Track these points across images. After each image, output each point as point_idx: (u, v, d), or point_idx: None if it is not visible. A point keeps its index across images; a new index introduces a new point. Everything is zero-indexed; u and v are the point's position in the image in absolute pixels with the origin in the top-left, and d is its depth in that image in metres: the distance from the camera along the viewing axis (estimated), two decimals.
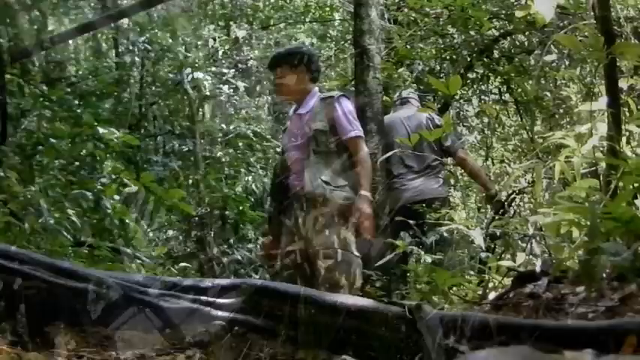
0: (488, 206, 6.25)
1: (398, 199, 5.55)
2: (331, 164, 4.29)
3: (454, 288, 3.30)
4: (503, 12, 7.66)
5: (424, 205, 5.35)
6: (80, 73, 9.79)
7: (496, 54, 8.47)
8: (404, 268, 4.70)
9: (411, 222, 4.37)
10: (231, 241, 9.16)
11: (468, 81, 8.75)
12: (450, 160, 6.17)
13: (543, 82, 8.06)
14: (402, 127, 5.78)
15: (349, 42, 8.96)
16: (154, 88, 10.85)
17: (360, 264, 4.26)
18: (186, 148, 10.47)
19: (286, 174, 4.45)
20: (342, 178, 4.27)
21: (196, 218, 9.07)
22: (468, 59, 8.14)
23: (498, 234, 3.99)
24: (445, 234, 4.15)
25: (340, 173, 4.28)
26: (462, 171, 7.27)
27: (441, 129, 4.63)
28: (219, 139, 11.44)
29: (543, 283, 2.28)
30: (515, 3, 7.47)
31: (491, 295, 2.65)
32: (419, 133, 4.26)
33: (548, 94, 7.96)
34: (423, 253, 3.83)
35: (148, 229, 8.66)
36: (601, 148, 3.51)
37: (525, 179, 7.59)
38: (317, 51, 5.00)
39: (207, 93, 11.32)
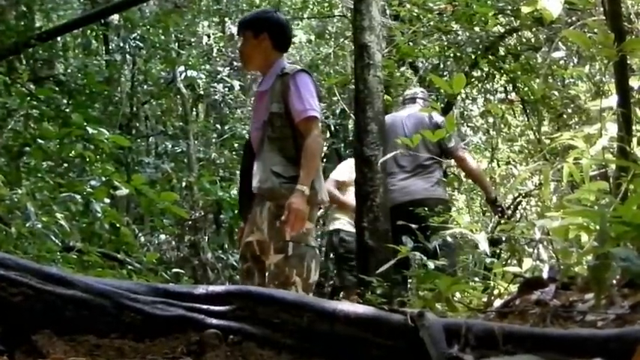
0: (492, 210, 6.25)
1: (390, 199, 5.58)
2: (286, 152, 4.04)
3: (458, 295, 3.30)
4: (509, 8, 7.67)
5: (412, 206, 5.40)
6: (69, 71, 9.79)
7: (502, 51, 8.48)
8: (405, 274, 4.71)
9: (399, 223, 4.36)
10: (226, 245, 9.17)
11: (473, 79, 8.76)
12: (452, 161, 6.16)
13: (551, 80, 8.07)
14: (400, 127, 5.80)
15: (349, 39, 8.97)
16: (145, 86, 10.88)
17: (315, 255, 4.08)
18: (180, 150, 10.49)
19: (251, 157, 4.22)
20: (296, 167, 3.99)
21: (190, 222, 9.08)
22: (473, 57, 8.15)
23: (504, 238, 3.98)
24: (446, 238, 4.12)
25: (295, 162, 4.01)
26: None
27: (442, 129, 4.64)
28: (213, 140, 11.45)
29: (551, 289, 2.29)
30: None
31: (497, 303, 2.65)
32: (420, 133, 4.26)
33: (555, 93, 7.97)
34: (417, 258, 3.83)
35: (140, 234, 8.67)
36: (611, 150, 3.52)
37: (532, 182, 7.60)
38: (285, 18, 4.74)
39: (201, 92, 11.35)
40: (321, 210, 5.53)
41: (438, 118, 5.74)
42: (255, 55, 4.27)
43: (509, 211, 7.97)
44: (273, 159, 4.03)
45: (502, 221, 5.41)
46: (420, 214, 5.16)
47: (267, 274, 4.03)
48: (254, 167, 4.11)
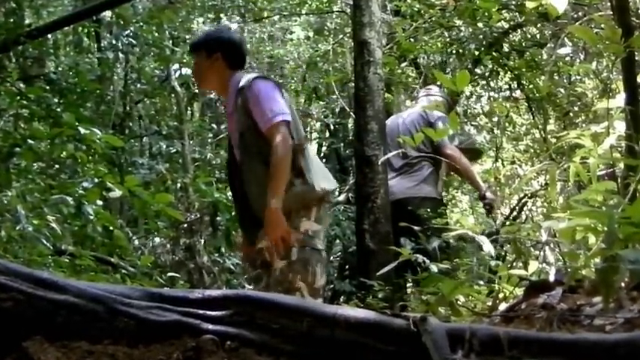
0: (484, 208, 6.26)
1: None
2: (267, 163, 3.99)
3: (462, 298, 3.30)
4: (514, 3, 7.67)
5: (396, 206, 5.45)
6: (60, 69, 9.77)
7: (506, 48, 8.49)
8: (408, 277, 4.71)
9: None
10: (223, 249, 9.14)
11: (476, 77, 8.76)
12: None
13: (557, 77, 8.08)
14: (396, 128, 5.83)
15: (348, 35, 8.98)
16: (139, 85, 10.85)
17: (321, 259, 4.08)
18: (174, 150, 10.47)
19: (237, 176, 4.23)
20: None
21: (185, 225, 9.06)
22: (476, 53, 8.16)
23: (500, 235, 3.99)
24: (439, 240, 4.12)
25: None
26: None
27: (438, 127, 4.65)
28: (209, 140, 11.45)
29: (557, 293, 2.29)
30: None
31: (502, 307, 2.65)
32: (422, 131, 4.27)
33: (562, 90, 7.98)
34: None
35: (134, 237, 8.67)
36: (619, 148, 3.52)
37: (538, 182, 7.61)
38: (239, 36, 4.71)
39: (196, 90, 11.33)
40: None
41: (433, 115, 5.74)
42: (209, 75, 4.30)
43: (515, 212, 7.98)
44: (264, 178, 3.98)
45: (493, 215, 5.47)
46: (404, 214, 5.23)
47: (270, 280, 4.05)
48: (249, 189, 4.11)
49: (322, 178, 4.10)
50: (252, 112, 4.02)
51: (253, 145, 4.04)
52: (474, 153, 6.46)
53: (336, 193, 4.27)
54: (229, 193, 9.15)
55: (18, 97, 6.71)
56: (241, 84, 4.12)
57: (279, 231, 3.91)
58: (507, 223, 4.91)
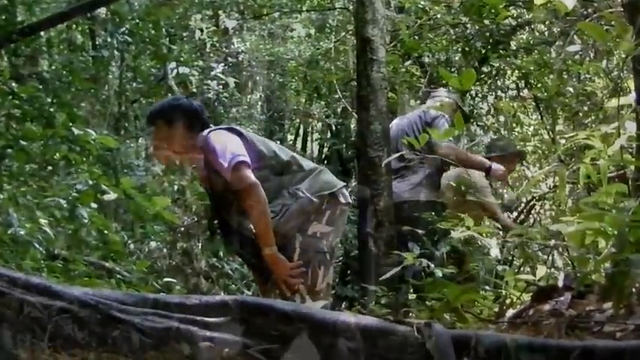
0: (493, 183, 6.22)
1: None
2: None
3: (468, 304, 3.30)
4: None
5: (394, 211, 5.46)
6: (53, 68, 9.78)
7: (513, 46, 8.49)
8: (413, 282, 4.70)
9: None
10: (221, 253, 9.15)
11: (483, 75, 8.76)
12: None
13: (565, 76, 8.07)
14: (395, 130, 5.83)
15: (351, 33, 8.98)
16: (134, 84, 10.85)
17: (324, 260, 4.12)
18: None
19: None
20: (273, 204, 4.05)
21: (182, 228, 9.06)
22: (483, 52, 8.16)
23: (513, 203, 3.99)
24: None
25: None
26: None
27: (437, 127, 4.65)
28: None
29: (566, 298, 2.29)
30: None
31: (509, 313, 2.66)
32: (429, 132, 4.27)
33: (571, 89, 7.97)
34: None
35: (129, 241, 8.67)
36: (630, 150, 3.52)
37: (546, 184, 7.60)
38: (198, 103, 4.67)
39: (194, 90, 11.33)
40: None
41: (430, 115, 5.73)
42: (172, 146, 4.25)
43: (523, 215, 7.97)
44: (245, 217, 4.08)
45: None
46: (403, 218, 5.24)
47: (269, 283, 4.10)
48: (239, 226, 4.16)
49: (319, 186, 4.13)
50: (216, 169, 4.06)
51: (235, 198, 4.07)
52: (517, 156, 6.45)
53: (345, 191, 4.25)
54: None
55: (10, 97, 6.70)
56: (200, 144, 4.15)
57: (283, 271, 4.00)
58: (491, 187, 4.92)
